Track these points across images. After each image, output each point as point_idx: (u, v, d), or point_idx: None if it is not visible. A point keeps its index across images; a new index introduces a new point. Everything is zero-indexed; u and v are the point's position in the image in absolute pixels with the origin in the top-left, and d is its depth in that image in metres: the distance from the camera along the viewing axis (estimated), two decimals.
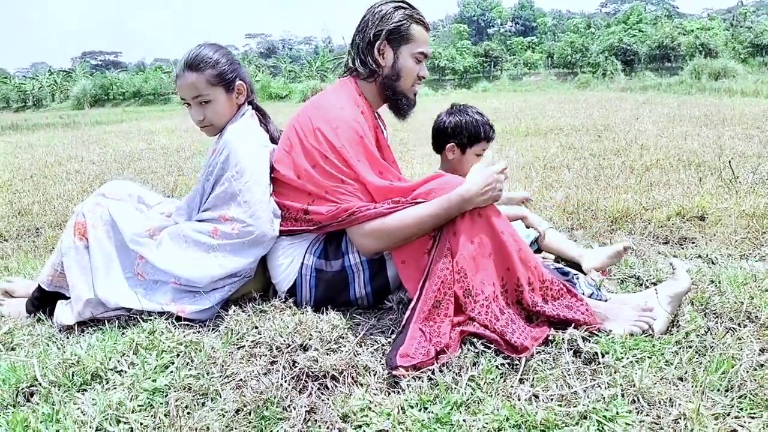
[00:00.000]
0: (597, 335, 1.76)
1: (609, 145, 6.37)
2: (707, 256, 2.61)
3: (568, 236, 3.13)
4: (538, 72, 41.78)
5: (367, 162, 1.90)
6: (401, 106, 2.08)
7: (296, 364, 1.64)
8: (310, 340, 1.74)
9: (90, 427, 1.43)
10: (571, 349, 1.71)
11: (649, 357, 1.66)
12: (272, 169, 2.04)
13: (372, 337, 1.85)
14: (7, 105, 46.75)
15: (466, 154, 2.45)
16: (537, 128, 8.58)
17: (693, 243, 2.88)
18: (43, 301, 2.12)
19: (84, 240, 1.98)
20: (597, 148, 6.19)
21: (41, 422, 1.45)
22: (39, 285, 2.12)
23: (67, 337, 1.96)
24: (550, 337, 1.76)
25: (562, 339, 1.73)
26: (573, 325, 1.78)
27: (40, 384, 1.60)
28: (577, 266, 2.41)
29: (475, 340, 1.73)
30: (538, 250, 2.57)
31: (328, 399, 1.55)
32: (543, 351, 1.72)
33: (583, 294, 1.91)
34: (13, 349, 1.93)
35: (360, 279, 1.97)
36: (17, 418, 1.45)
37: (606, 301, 1.91)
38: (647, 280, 2.28)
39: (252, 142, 2.04)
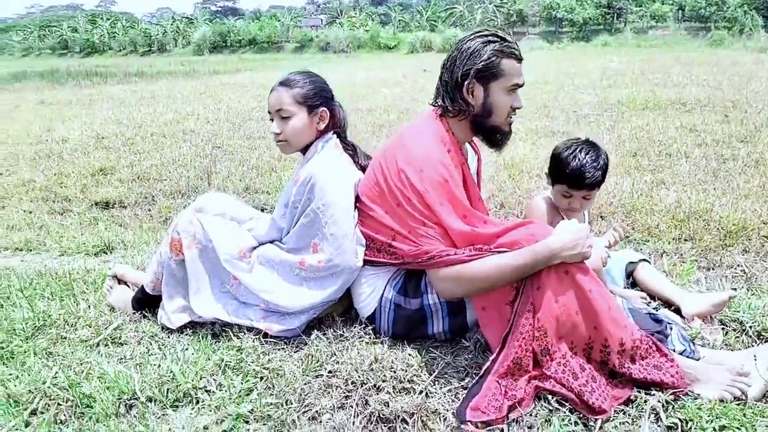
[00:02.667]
0: (683, 399, 1.67)
1: (735, 129, 5.83)
2: None
3: (674, 249, 2.93)
4: (666, 26, 38.44)
5: (451, 205, 1.86)
6: (495, 140, 2.02)
7: (368, 405, 1.69)
8: (383, 381, 1.78)
9: None
10: (653, 412, 1.63)
11: (737, 428, 1.55)
12: (358, 199, 2.07)
13: (446, 376, 1.86)
14: (134, 49, 49.94)
15: (555, 186, 2.26)
16: (656, 101, 7.99)
17: None
18: (146, 302, 2.31)
19: (180, 255, 2.11)
20: (721, 132, 5.68)
21: None
22: (143, 286, 2.30)
23: (168, 337, 2.13)
24: (632, 397, 1.69)
25: (645, 401, 1.66)
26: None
27: (138, 399, 1.76)
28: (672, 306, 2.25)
29: (549, 396, 1.70)
30: (633, 284, 2.43)
31: None
32: (622, 412, 1.66)
33: (674, 350, 1.80)
34: (121, 344, 2.13)
35: (438, 317, 1.98)
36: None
37: (699, 359, 1.80)
38: (750, 328, 2.09)
39: (337, 174, 2.07)
